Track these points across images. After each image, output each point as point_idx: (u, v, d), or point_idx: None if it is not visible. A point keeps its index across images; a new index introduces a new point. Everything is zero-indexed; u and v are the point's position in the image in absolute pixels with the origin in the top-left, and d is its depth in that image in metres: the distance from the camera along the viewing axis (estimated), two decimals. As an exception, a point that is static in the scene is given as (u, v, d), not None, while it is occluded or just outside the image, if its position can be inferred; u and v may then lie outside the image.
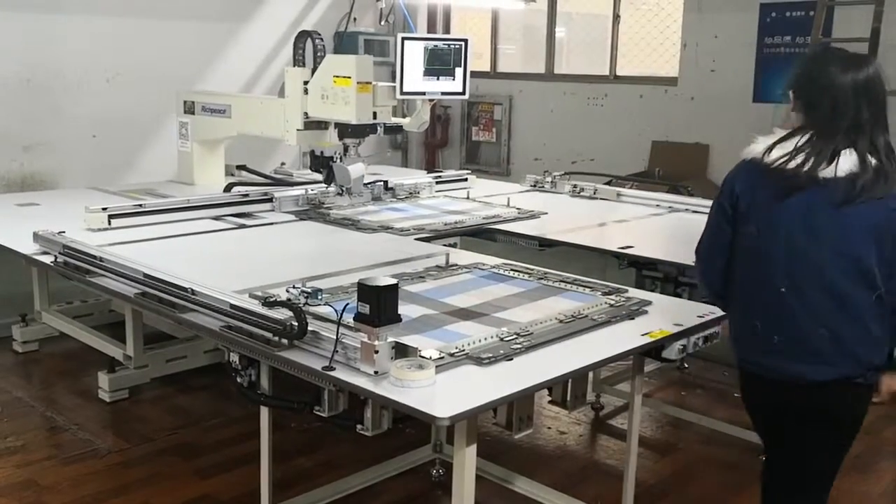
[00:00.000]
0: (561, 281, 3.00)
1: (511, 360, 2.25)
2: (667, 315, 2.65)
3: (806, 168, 2.23)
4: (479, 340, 2.35)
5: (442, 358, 2.20)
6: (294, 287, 2.55)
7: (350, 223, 4.00)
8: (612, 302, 2.75)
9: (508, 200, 4.58)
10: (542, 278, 3.04)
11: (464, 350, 2.27)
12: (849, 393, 2.31)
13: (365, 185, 4.58)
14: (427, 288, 2.91)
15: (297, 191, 4.38)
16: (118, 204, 3.88)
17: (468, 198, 4.81)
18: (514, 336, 2.39)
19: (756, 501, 3.35)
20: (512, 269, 3.16)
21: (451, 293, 2.85)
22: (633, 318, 2.63)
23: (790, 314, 2.27)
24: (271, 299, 2.41)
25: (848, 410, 2.36)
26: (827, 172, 2.21)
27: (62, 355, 4.76)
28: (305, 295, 2.50)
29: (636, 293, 2.88)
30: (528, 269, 3.16)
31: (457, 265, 3.22)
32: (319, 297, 2.52)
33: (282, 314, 2.30)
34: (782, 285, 2.27)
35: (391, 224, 4.00)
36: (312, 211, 4.25)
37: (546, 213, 4.37)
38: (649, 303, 2.76)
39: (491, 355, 2.24)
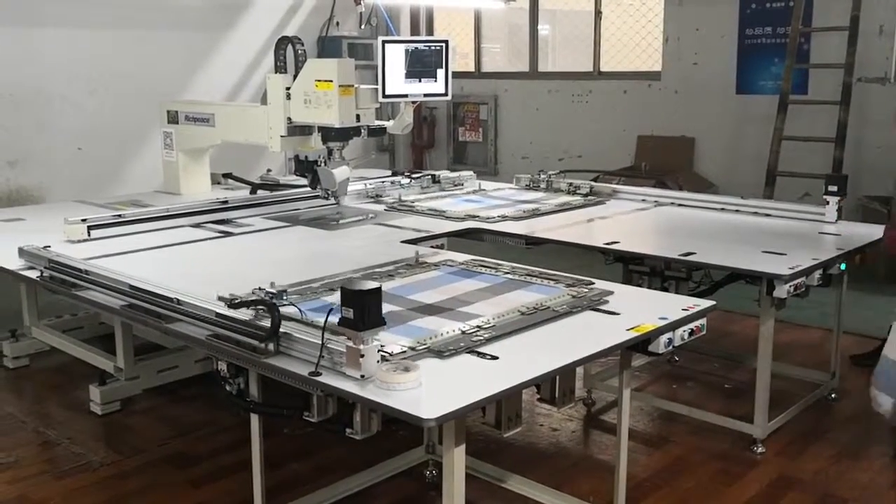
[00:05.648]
0: (527, 275, 3.04)
1: (473, 352, 2.29)
2: (652, 309, 2.66)
3: None
4: (442, 334, 2.39)
5: (404, 352, 2.25)
6: (259, 289, 2.58)
7: (437, 213, 4.32)
8: (575, 293, 2.79)
9: (569, 186, 4.96)
10: (508, 273, 3.08)
11: (425, 344, 2.31)
12: None
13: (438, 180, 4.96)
14: (395, 286, 2.94)
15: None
16: (99, 215, 3.88)
17: (528, 186, 5.14)
18: (476, 329, 2.43)
19: (747, 492, 3.40)
20: (480, 265, 3.20)
21: (417, 290, 2.88)
22: (595, 310, 2.66)
23: None
24: (237, 301, 2.45)
25: None
26: None
27: (53, 370, 4.74)
28: (270, 296, 2.52)
29: (602, 284, 2.91)
30: (497, 264, 3.20)
31: (426, 262, 3.24)
32: (284, 298, 2.55)
33: (266, 321, 2.30)
34: None
35: (476, 213, 4.29)
36: (399, 203, 4.57)
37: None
38: (611, 293, 2.81)
39: (452, 348, 2.28)
